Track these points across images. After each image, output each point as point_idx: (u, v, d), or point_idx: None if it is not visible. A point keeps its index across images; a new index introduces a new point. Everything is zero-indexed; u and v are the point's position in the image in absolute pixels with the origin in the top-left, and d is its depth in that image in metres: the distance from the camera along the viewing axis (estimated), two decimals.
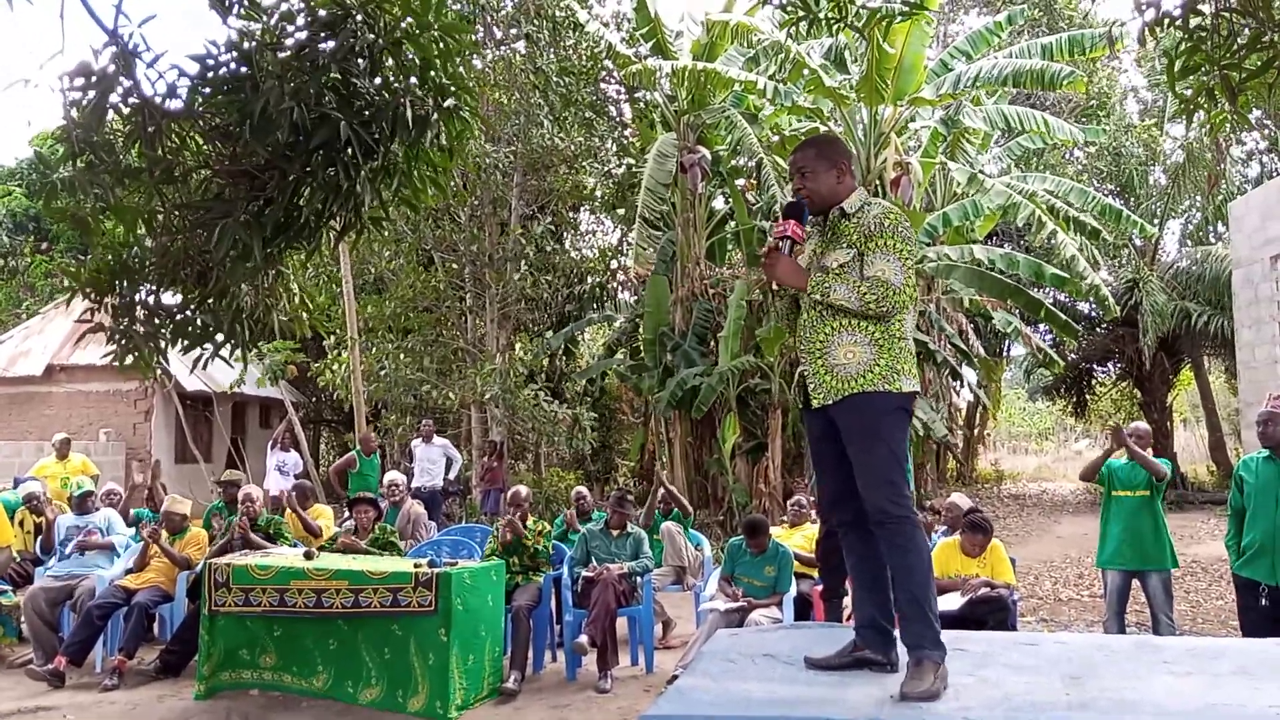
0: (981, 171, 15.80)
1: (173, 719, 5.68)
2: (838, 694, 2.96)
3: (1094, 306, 18.51)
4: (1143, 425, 6.69)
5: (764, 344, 13.75)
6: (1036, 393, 28.10)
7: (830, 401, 3.15)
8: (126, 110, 5.57)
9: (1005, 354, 24.55)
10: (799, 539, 7.30)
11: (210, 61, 5.63)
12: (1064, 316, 16.00)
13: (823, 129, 14.16)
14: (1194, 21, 4.14)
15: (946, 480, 22.17)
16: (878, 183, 13.51)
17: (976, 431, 27.01)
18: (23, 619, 7.03)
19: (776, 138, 14.80)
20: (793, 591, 6.52)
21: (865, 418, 3.10)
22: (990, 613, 5.81)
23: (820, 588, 6.17)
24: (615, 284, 19.56)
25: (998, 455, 33.16)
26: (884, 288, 3.10)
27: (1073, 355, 22.27)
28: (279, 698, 5.98)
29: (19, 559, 7.57)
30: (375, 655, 5.78)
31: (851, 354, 3.13)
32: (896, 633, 3.13)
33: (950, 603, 5.65)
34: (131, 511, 8.44)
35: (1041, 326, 19.19)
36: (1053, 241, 14.24)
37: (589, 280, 18.55)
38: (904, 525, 3.05)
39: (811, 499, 8.75)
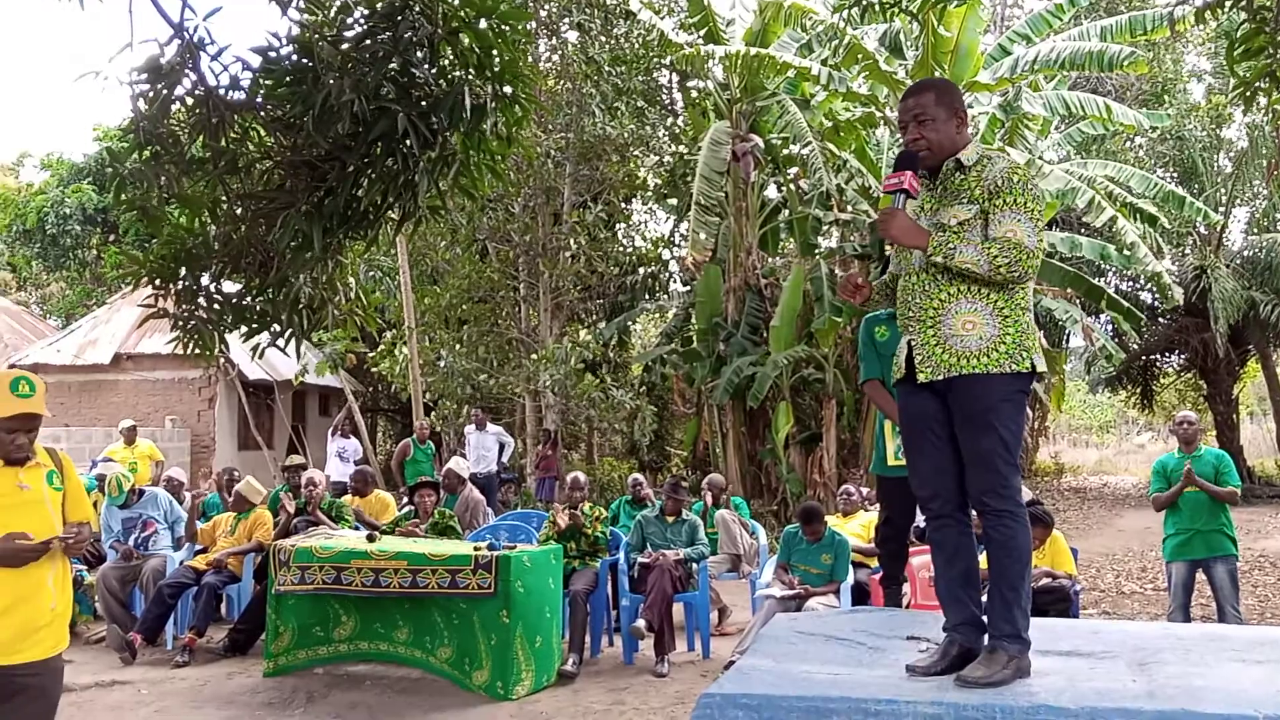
0: (1040, 158, 15.52)
1: (241, 695, 5.82)
2: (900, 678, 2.96)
3: (1156, 295, 18.10)
4: (1191, 414, 6.59)
5: (818, 334, 13.67)
6: (1098, 384, 27.51)
7: (942, 377, 2.91)
8: (190, 102, 5.71)
9: (1065, 345, 24.13)
10: (855, 527, 7.27)
11: (272, 54, 5.75)
12: (1126, 304, 15.68)
13: (878, 115, 14.04)
14: (1258, 2, 4.04)
15: None
16: None
17: (1036, 424, 26.56)
18: (96, 597, 7.26)
19: (830, 124, 14.67)
20: (850, 580, 6.49)
21: (983, 400, 2.86)
22: (1051, 603, 5.74)
23: (879, 575, 6.13)
24: (668, 274, 19.58)
25: (1058, 448, 32.62)
26: (1016, 250, 2.82)
27: (1135, 346, 21.81)
28: (343, 676, 6.12)
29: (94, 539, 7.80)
30: (445, 619, 5.93)
31: (971, 325, 2.88)
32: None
33: None
34: (200, 502, 8.65)
35: (1103, 317, 18.81)
36: (1113, 228, 13.96)
37: (641, 271, 18.58)
38: (1005, 519, 2.87)
39: (864, 490, 8.71)
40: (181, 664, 6.53)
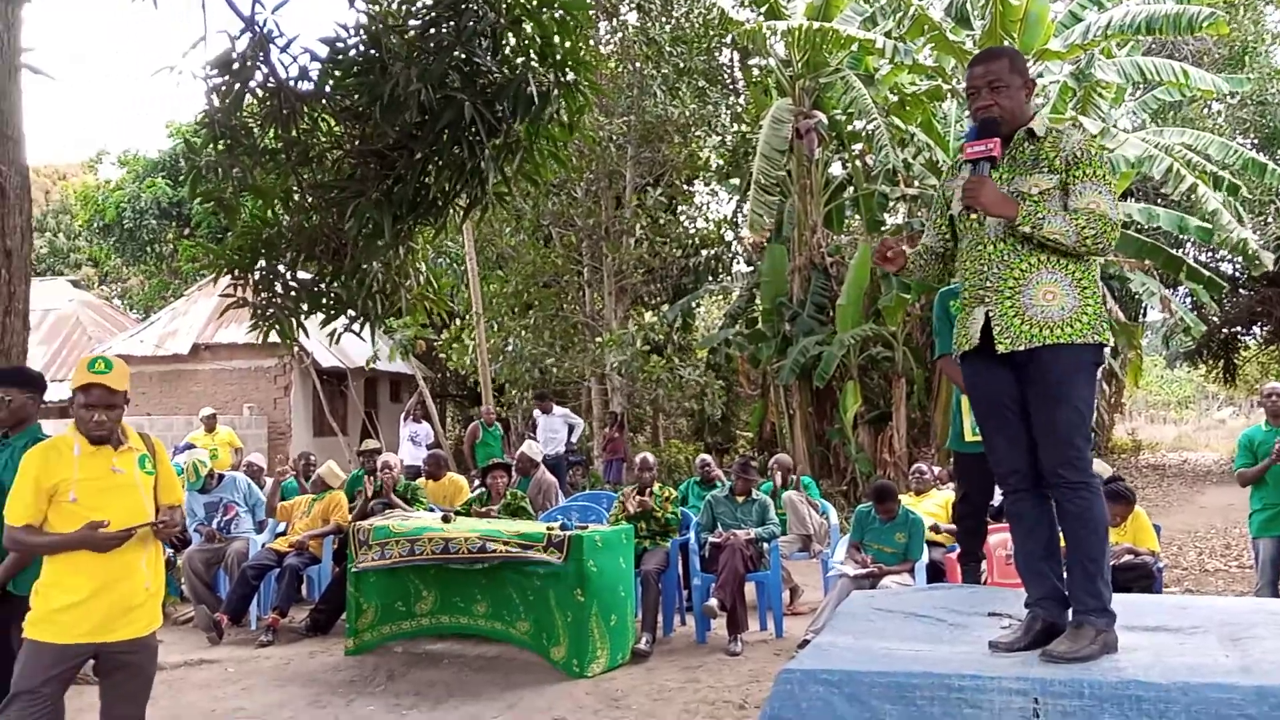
0: (1114, 126, 15.09)
1: (324, 674, 5.96)
2: (983, 654, 2.92)
3: (1239, 266, 17.50)
4: (1277, 385, 6.37)
5: (885, 312, 13.50)
6: (1176, 359, 26.77)
7: (1021, 348, 2.88)
8: (262, 94, 5.83)
9: (1142, 318, 23.49)
10: (930, 506, 7.19)
11: (339, 45, 5.83)
12: (1206, 274, 15.20)
13: (944, 87, 13.77)
14: None
15: None
16: None
17: (1113, 400, 25.94)
18: (183, 579, 7.49)
19: (895, 98, 14.43)
20: (925, 559, 6.42)
21: (1061, 372, 2.85)
22: (1134, 580, 5.62)
23: (957, 552, 6.06)
24: (731, 255, 19.49)
25: (1135, 425, 31.83)
26: (1101, 222, 2.80)
27: (1215, 319, 21.15)
28: (422, 655, 6.24)
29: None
30: (521, 595, 6.00)
31: (1051, 296, 2.86)
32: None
33: None
34: (280, 483, 8.86)
35: (1181, 289, 18.25)
36: (1193, 197, 13.52)
37: (704, 252, 18.52)
38: (1081, 491, 2.85)
39: (936, 468, 8.60)
40: (266, 643, 6.72)
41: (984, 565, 4.75)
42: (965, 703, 2.65)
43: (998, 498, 4.82)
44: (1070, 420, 2.85)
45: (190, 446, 9.91)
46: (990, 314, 2.96)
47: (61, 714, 3.85)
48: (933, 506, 7.22)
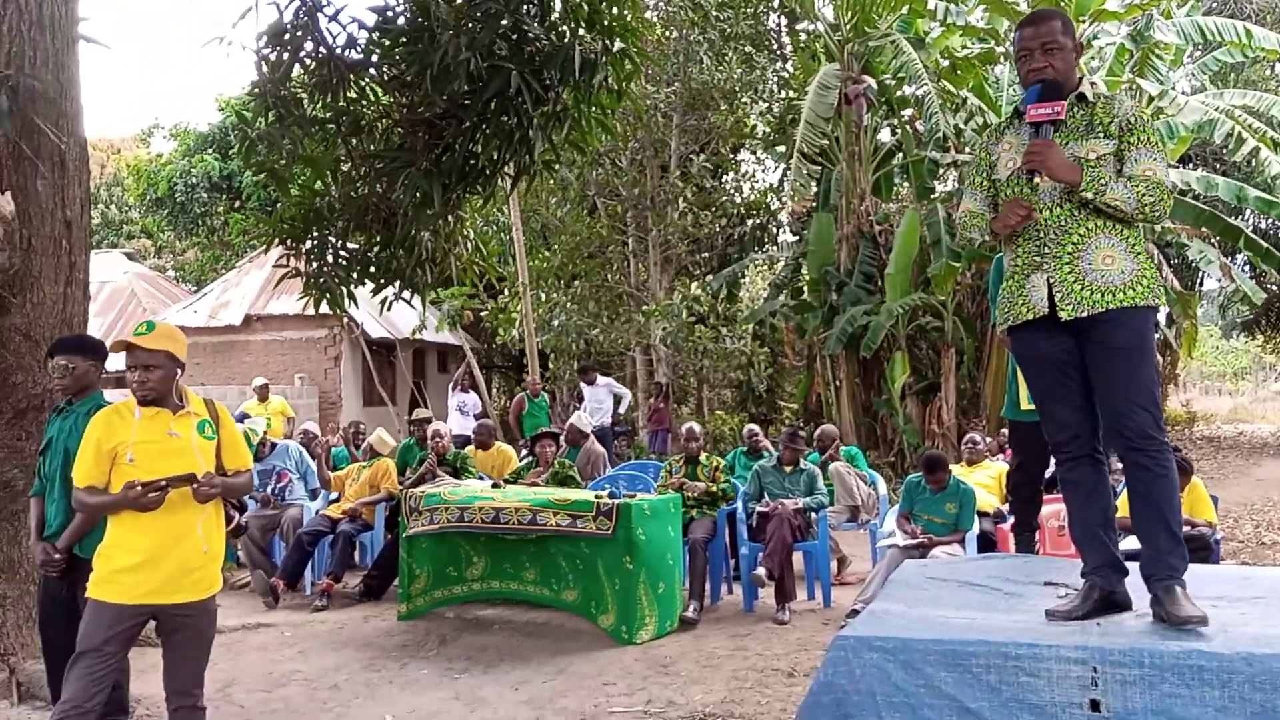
0: (1173, 89, 14.67)
1: (378, 638, 6.08)
2: (1040, 623, 2.90)
3: None
4: None
5: (935, 281, 13.32)
6: (1233, 329, 26.16)
7: (1086, 314, 2.84)
8: (311, 64, 5.85)
9: (1199, 287, 22.96)
10: (982, 478, 7.11)
11: (388, 13, 5.84)
12: (1265, 244, 14.79)
13: (997, 50, 13.48)
14: None
15: None
16: None
17: (1167, 370, 25.44)
18: (239, 545, 7.64)
19: (946, 62, 14.14)
20: (975, 529, 6.37)
21: (1130, 335, 2.83)
22: (1191, 551, 5.46)
23: (1010, 523, 6.00)
24: (776, 224, 19.33)
25: (1189, 396, 31.22)
26: (1159, 189, 2.79)
27: (1274, 287, 20.62)
28: (473, 620, 6.33)
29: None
30: (570, 564, 6.05)
31: (1110, 260, 2.83)
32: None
33: None
34: (328, 450, 9.00)
35: (1239, 258, 17.79)
36: (1254, 161, 13.13)
37: (749, 221, 18.39)
38: (1166, 452, 2.85)
39: (989, 439, 8.50)
40: (320, 608, 6.85)
41: (1038, 535, 4.69)
42: (1022, 671, 2.63)
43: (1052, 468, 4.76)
44: (1148, 381, 2.84)
45: (245, 416, 10.10)
46: (1050, 280, 2.91)
47: (125, 672, 3.98)
48: (985, 478, 7.15)
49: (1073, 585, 3.15)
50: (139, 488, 3.09)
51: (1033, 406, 4.04)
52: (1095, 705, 2.55)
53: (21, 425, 5.01)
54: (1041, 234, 2.91)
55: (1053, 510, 6.10)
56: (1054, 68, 2.89)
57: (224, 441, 3.38)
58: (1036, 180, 2.91)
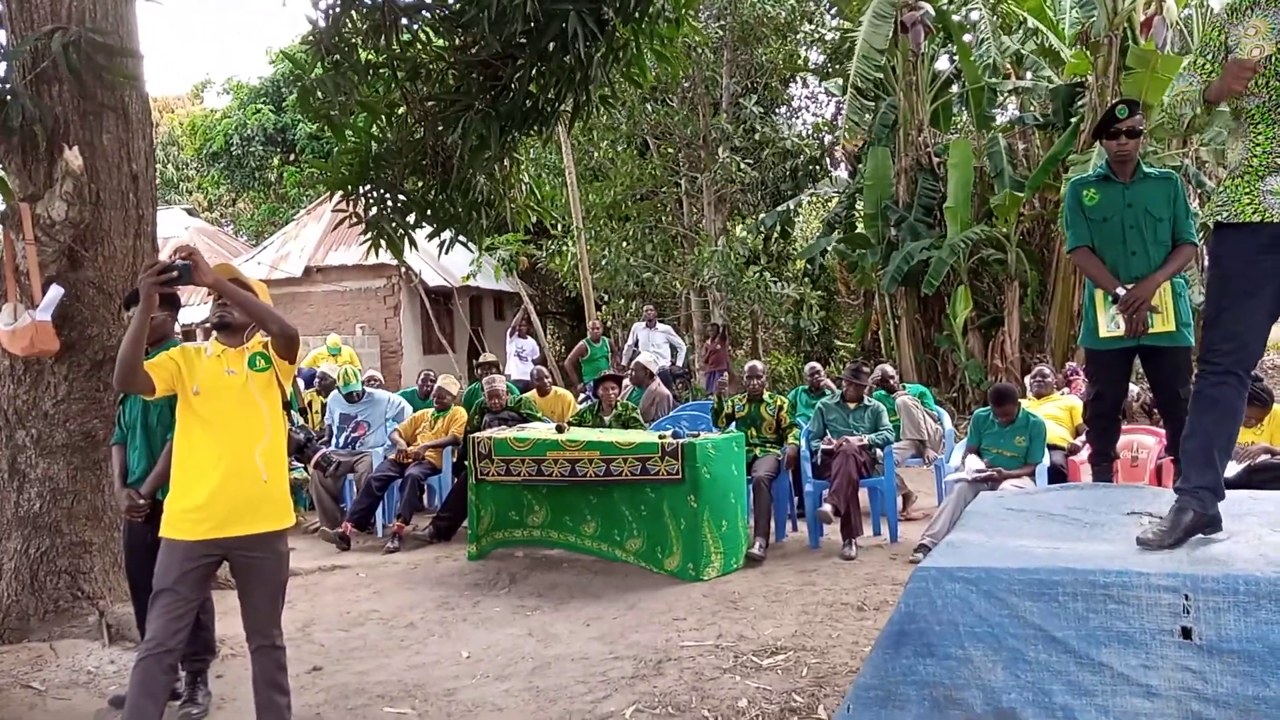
0: None
1: (450, 577, 6.19)
2: (1126, 550, 2.84)
3: None
4: None
5: (998, 212, 12.99)
6: None
7: None
8: (364, 9, 5.81)
9: None
10: (1052, 410, 6.99)
11: None
12: None
13: None
14: None
15: None
16: (1126, 25, 12.28)
17: None
18: (311, 489, 7.81)
19: None
20: (1046, 462, 6.27)
21: None
22: (1269, 480, 5.39)
23: (1088, 453, 5.90)
24: (831, 160, 18.97)
25: None
26: None
27: None
28: (542, 559, 6.41)
29: (306, 436, 8.38)
30: (633, 511, 6.09)
31: None
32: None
33: (1227, 471, 5.28)
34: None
35: None
36: None
37: (801, 156, 18.07)
38: None
39: (1060, 371, 8.34)
40: (392, 550, 6.99)
41: (1117, 465, 4.60)
42: (1110, 599, 2.59)
43: (1133, 394, 4.65)
44: None
45: (313, 371, 10.25)
46: None
47: (210, 613, 4.11)
48: (1055, 410, 7.02)
49: (1156, 514, 3.08)
50: (145, 271, 3.18)
51: (1112, 334, 3.97)
52: (1187, 633, 2.50)
53: (99, 376, 5.13)
54: (1274, 146, 2.76)
55: (1125, 442, 5.98)
56: None
57: (279, 369, 3.40)
58: None
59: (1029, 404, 6.97)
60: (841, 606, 5.19)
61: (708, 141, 15.48)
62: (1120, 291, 3.85)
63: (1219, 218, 2.89)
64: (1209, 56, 2.95)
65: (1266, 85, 2.80)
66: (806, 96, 20.11)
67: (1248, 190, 2.83)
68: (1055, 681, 2.59)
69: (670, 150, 16.16)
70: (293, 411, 8.51)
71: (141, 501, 3.97)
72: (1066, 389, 8.16)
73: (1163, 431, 5.47)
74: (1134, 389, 6.92)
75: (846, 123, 14.15)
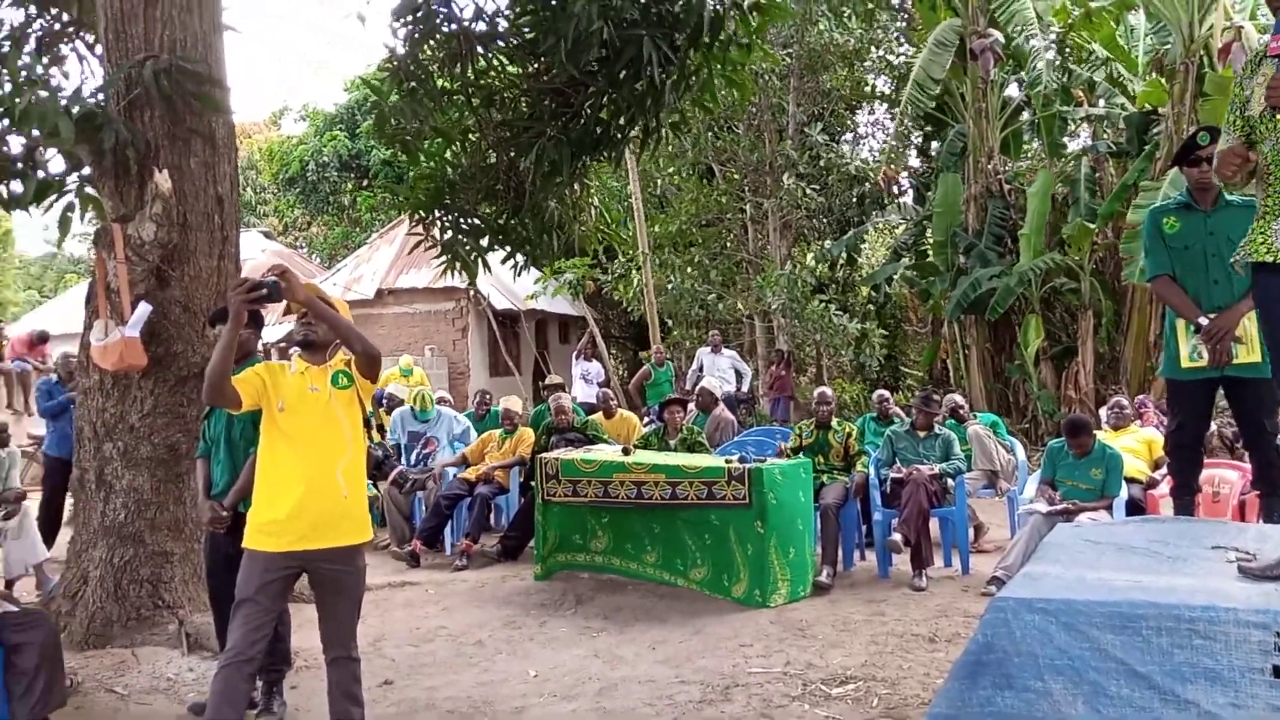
0: None
1: (517, 596, 6.23)
2: (1213, 585, 2.76)
3: None
4: None
5: (1070, 240, 12.78)
6: None
7: None
8: (441, 37, 5.96)
9: None
10: (1130, 442, 6.82)
11: None
12: None
13: None
14: None
15: None
16: (1203, 52, 12.04)
17: None
18: (381, 507, 7.94)
19: (1079, 12, 13.47)
20: (1124, 495, 6.12)
21: None
22: None
23: (1170, 486, 5.75)
24: (898, 186, 18.83)
25: None
26: None
27: None
28: (608, 581, 6.42)
29: (384, 454, 8.54)
30: (697, 540, 6.07)
31: None
32: None
33: None
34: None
35: None
36: None
37: (869, 183, 17.98)
38: None
39: (1138, 401, 8.14)
40: (460, 568, 7.07)
41: (1199, 499, 4.48)
42: (1196, 634, 2.51)
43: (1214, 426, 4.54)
44: None
45: (382, 392, 10.47)
46: None
47: (287, 625, 4.19)
48: (1133, 442, 6.85)
49: (1241, 549, 3.00)
50: (234, 289, 3.28)
51: (1194, 364, 3.89)
52: (1279, 671, 2.43)
53: (183, 392, 5.30)
54: None
55: (1207, 476, 5.81)
56: None
57: (360, 388, 3.48)
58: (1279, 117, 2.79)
59: (1105, 436, 6.81)
60: (912, 638, 5.11)
61: (773, 168, 15.49)
62: (1203, 321, 3.77)
63: (1249, 258, 2.93)
64: (1237, 112, 2.97)
65: (1276, 129, 2.79)
66: (872, 123, 20.06)
67: (1264, 233, 2.88)
68: (1139, 717, 2.52)
69: (735, 176, 16.20)
70: (372, 429, 8.67)
71: (224, 513, 4.08)
72: (1138, 421, 7.96)
73: (1246, 466, 5.32)
74: (1212, 425, 6.74)
75: (889, 148, 14.02)
